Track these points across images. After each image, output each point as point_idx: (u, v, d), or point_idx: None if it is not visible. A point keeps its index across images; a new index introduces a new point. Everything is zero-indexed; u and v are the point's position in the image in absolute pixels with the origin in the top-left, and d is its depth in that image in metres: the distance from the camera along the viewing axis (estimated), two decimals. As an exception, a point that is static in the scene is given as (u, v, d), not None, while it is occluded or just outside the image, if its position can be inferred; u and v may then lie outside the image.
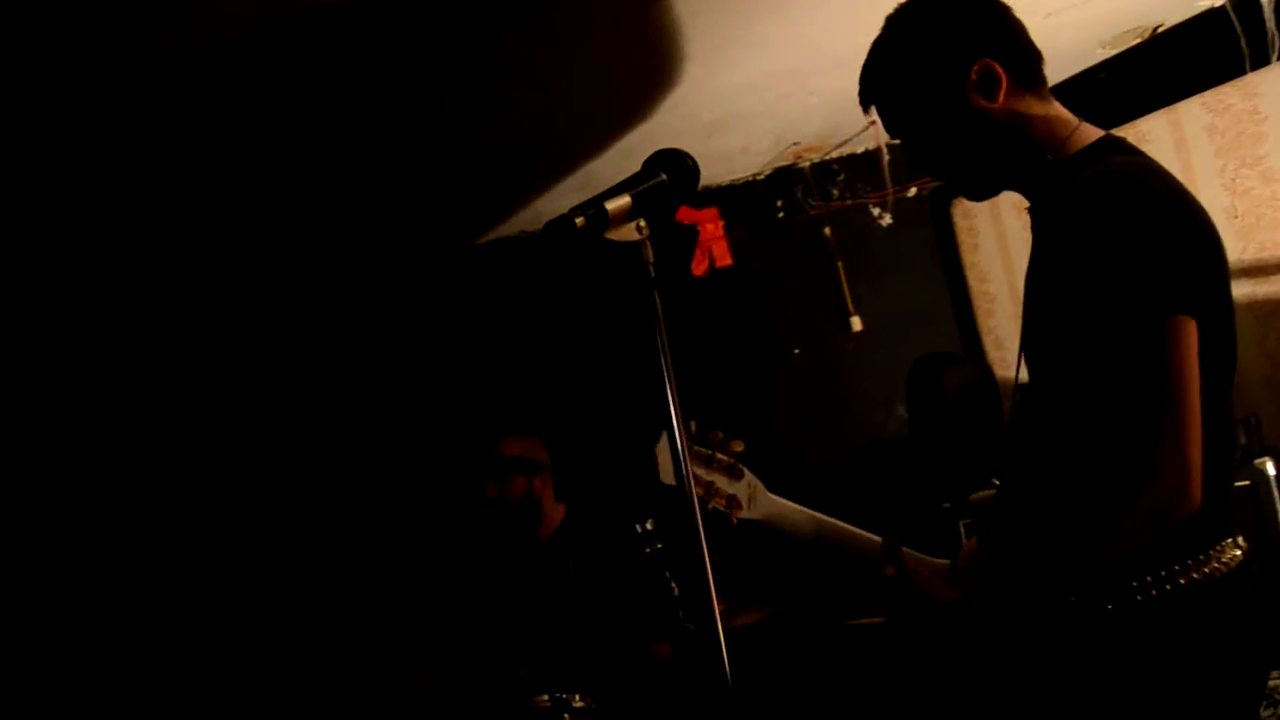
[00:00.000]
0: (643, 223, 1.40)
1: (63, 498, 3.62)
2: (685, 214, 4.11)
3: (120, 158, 2.53)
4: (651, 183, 1.41)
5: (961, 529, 3.30)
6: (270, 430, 3.81)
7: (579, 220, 1.32)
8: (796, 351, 4.19)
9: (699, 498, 1.60)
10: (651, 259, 1.41)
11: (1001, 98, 1.54)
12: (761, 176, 4.21)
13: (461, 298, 4.01)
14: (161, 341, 3.76)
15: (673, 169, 1.44)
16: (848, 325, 4.13)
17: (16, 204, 2.66)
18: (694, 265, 4.12)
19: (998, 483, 1.82)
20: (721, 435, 1.64)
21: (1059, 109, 1.59)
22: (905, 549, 1.61)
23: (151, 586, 3.62)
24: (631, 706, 2.90)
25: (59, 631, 3.53)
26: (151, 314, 3.74)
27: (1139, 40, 3.39)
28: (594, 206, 1.34)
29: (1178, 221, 1.40)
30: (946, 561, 1.76)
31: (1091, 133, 1.57)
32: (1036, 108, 1.57)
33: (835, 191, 4.25)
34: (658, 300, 1.40)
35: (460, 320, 4.00)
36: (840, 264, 4.16)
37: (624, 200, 1.37)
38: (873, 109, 1.68)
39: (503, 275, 4.02)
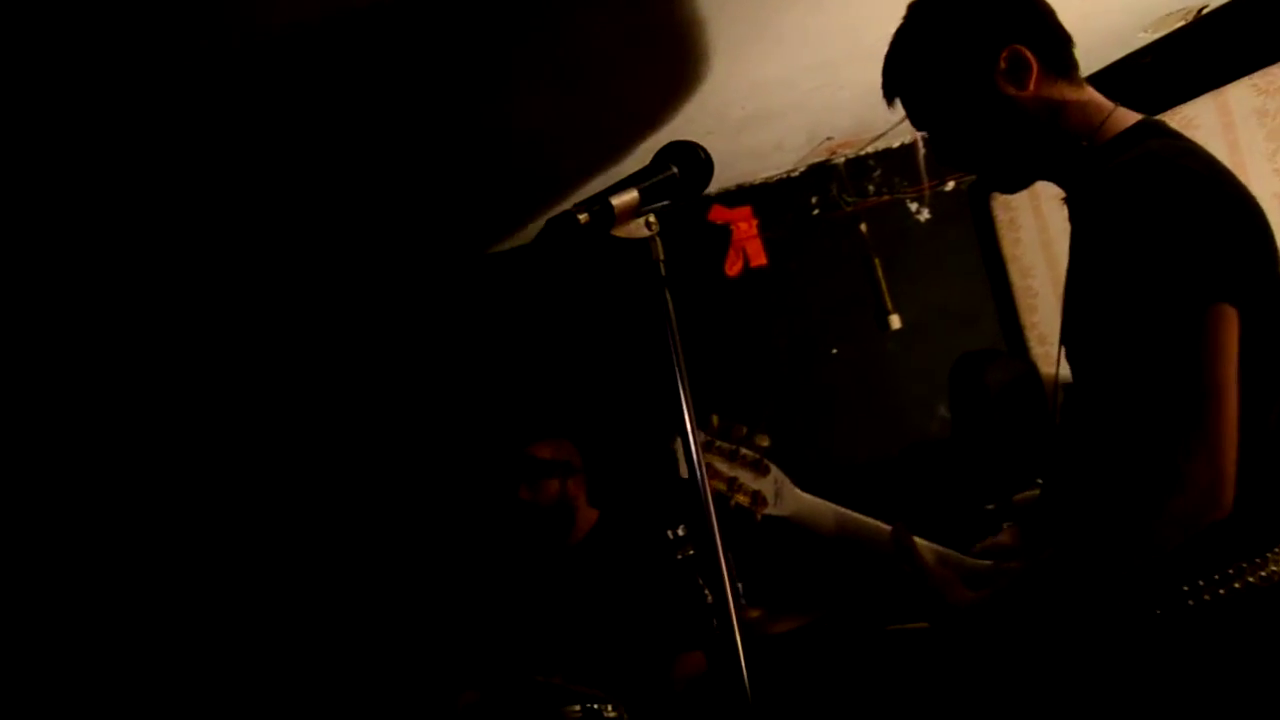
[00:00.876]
0: (652, 219, 1.35)
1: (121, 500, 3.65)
2: (718, 213, 4.06)
3: (143, 162, 2.52)
4: (660, 177, 1.36)
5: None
6: (300, 443, 3.81)
7: (582, 216, 1.26)
8: (834, 351, 4.11)
9: (720, 494, 1.55)
10: (662, 256, 1.35)
11: (1032, 85, 1.48)
12: (795, 174, 4.14)
13: (491, 303, 3.99)
14: (186, 351, 3.78)
15: (684, 162, 1.39)
16: (886, 323, 4.05)
17: (45, 208, 2.67)
18: (728, 265, 4.06)
19: (1042, 483, 1.75)
20: (746, 430, 1.58)
21: (1093, 94, 1.53)
22: (930, 545, 1.55)
23: (162, 600, 3.63)
24: (664, 715, 2.84)
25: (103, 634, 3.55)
26: (175, 322, 3.76)
27: (1183, 23, 3.28)
28: (599, 202, 1.29)
29: (1219, 205, 1.32)
30: (989, 562, 1.69)
31: (1128, 117, 1.50)
32: (1069, 94, 1.51)
33: (871, 187, 4.18)
34: (668, 298, 1.34)
35: (491, 325, 3.98)
36: (877, 261, 4.08)
37: (631, 195, 1.31)
38: (898, 102, 1.62)
39: (531, 280, 3.99)
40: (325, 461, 3.80)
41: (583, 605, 3.08)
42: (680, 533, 2.59)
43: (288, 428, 3.81)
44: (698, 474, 1.32)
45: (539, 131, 2.95)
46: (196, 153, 2.51)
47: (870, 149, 4.13)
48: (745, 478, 1.56)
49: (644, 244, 1.35)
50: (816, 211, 4.16)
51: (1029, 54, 1.48)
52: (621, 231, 1.32)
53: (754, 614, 2.65)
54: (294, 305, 3.86)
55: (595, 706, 2.70)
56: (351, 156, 2.80)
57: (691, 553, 2.54)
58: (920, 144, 4.05)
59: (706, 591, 2.57)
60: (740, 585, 2.65)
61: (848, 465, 3.94)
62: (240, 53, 2.04)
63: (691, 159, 1.39)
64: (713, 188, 4.04)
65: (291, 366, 3.84)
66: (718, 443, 1.57)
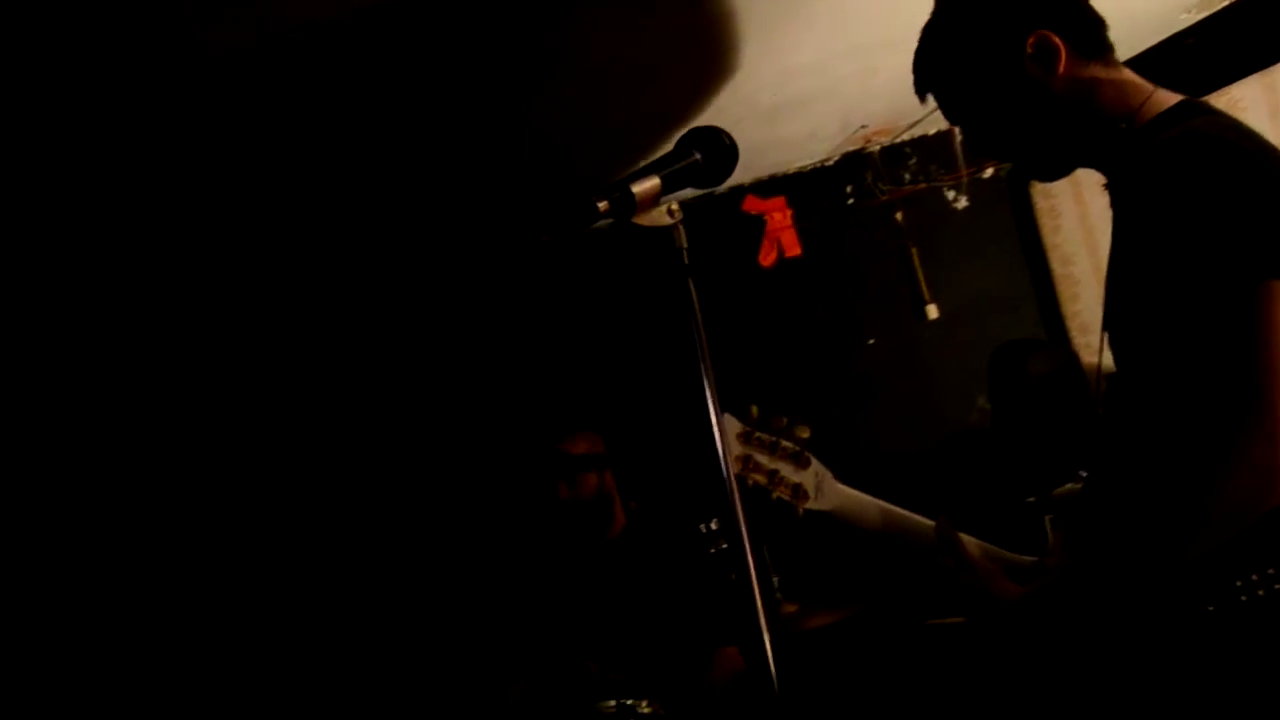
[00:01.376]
0: (675, 206, 1.32)
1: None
2: (752, 204, 4.02)
3: (162, 158, 2.53)
4: (684, 163, 1.33)
5: (1047, 524, 3.15)
6: (331, 442, 3.81)
7: (602, 204, 1.24)
8: (871, 342, 4.06)
9: (760, 487, 1.52)
10: (685, 244, 1.32)
11: (1062, 69, 1.46)
12: (830, 162, 4.10)
13: (517, 297, 3.98)
14: (209, 346, 3.79)
15: (707, 148, 1.36)
16: (924, 313, 4.00)
17: (55, 208, 2.67)
18: (762, 256, 4.02)
19: (1085, 475, 1.71)
20: (786, 421, 1.55)
21: (1130, 76, 1.50)
22: (974, 540, 1.52)
23: (209, 599, 3.65)
24: (699, 710, 2.81)
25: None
26: (187, 322, 3.76)
27: (1228, 2, 3.20)
28: (619, 189, 1.26)
29: (1267, 180, 1.28)
30: (1033, 559, 1.65)
31: (1168, 98, 1.46)
32: (1103, 76, 1.48)
33: (907, 175, 4.12)
34: (691, 288, 1.31)
35: (518, 320, 3.97)
36: (914, 250, 4.02)
37: (653, 182, 1.28)
38: (930, 96, 1.61)
39: (556, 272, 3.97)
40: (360, 461, 3.80)
41: (620, 601, 3.05)
42: (714, 526, 2.56)
43: (322, 424, 3.81)
44: (724, 466, 1.29)
45: (564, 126, 2.92)
46: (217, 152, 2.51)
47: (906, 136, 4.07)
48: (786, 471, 1.53)
49: (667, 232, 1.32)
50: (851, 201, 4.11)
51: (1056, 38, 1.46)
52: (644, 220, 1.29)
53: (790, 609, 2.62)
54: (317, 302, 3.86)
55: (630, 702, 2.68)
56: (370, 152, 2.79)
57: (725, 546, 2.51)
58: (957, 131, 3.98)
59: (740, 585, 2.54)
60: (776, 579, 2.62)
61: (885, 457, 3.89)
62: (267, 46, 2.04)
63: (715, 144, 1.36)
64: (746, 178, 4.00)
65: (320, 364, 3.84)
66: (757, 434, 1.54)
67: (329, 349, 3.86)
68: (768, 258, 4.02)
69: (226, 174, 2.66)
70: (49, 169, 2.39)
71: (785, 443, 1.54)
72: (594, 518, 3.14)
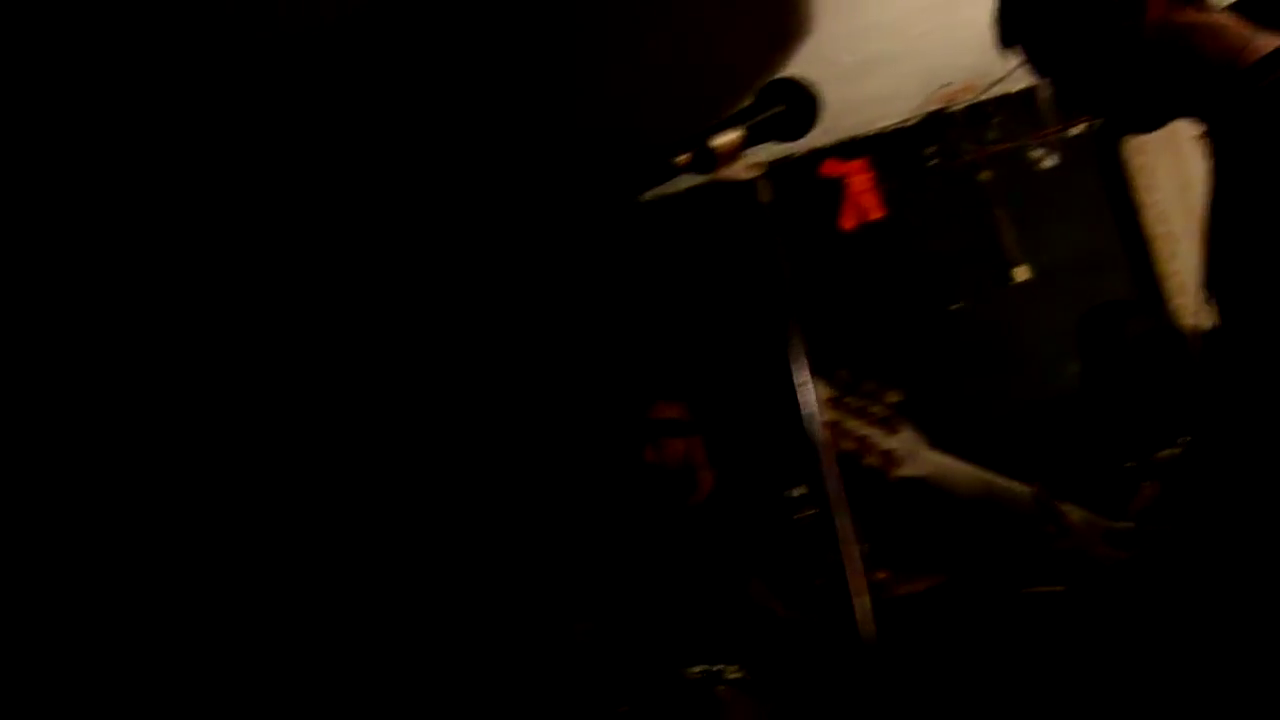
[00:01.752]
0: (757, 160, 1.28)
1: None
2: (832, 166, 3.95)
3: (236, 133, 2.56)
4: (766, 115, 1.29)
5: (1146, 490, 3.05)
6: (445, 394, 3.89)
7: (680, 159, 1.21)
8: (957, 306, 3.97)
9: (850, 454, 1.49)
10: (769, 199, 1.29)
11: (1154, 12, 1.38)
12: (911, 123, 4.00)
13: (604, 263, 3.99)
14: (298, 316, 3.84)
15: (790, 98, 1.32)
16: (1011, 276, 3.89)
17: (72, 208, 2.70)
18: (843, 220, 3.95)
19: (1185, 439, 1.65)
20: (875, 385, 1.51)
21: (1230, 19, 1.41)
22: (1073, 506, 1.48)
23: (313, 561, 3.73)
24: (784, 675, 2.81)
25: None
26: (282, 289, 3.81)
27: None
28: (698, 143, 1.23)
29: None
30: (1132, 524, 1.60)
31: (1271, 40, 1.37)
32: (1199, 19, 1.39)
33: (992, 134, 4.00)
34: (778, 242, 1.28)
35: (605, 285, 3.98)
36: (1001, 211, 3.91)
37: (734, 135, 1.24)
38: (1015, 50, 1.53)
39: (641, 238, 3.96)
40: (464, 419, 3.89)
41: (704, 566, 3.07)
42: (800, 493, 2.54)
43: (429, 383, 3.91)
44: (813, 432, 1.26)
45: (641, 94, 2.90)
46: (296, 122, 2.53)
47: (990, 94, 3.95)
48: (876, 436, 1.50)
49: (750, 188, 1.29)
50: (935, 161, 4.01)
51: None
52: (725, 174, 1.26)
53: (881, 575, 2.60)
54: (405, 271, 3.91)
55: (716, 668, 2.69)
56: (450, 117, 2.79)
57: (811, 513, 2.49)
58: (1043, 86, 3.85)
59: (826, 552, 2.51)
60: (865, 546, 2.58)
61: (975, 423, 3.81)
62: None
63: (797, 94, 1.32)
64: (825, 140, 3.93)
65: (418, 323, 3.91)
66: (846, 398, 1.51)
67: (403, 325, 3.93)
68: (849, 221, 3.96)
69: (303, 142, 2.69)
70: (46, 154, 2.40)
71: (876, 408, 1.50)
72: (677, 483, 3.18)
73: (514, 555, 3.76)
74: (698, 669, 2.65)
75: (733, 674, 2.64)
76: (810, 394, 1.29)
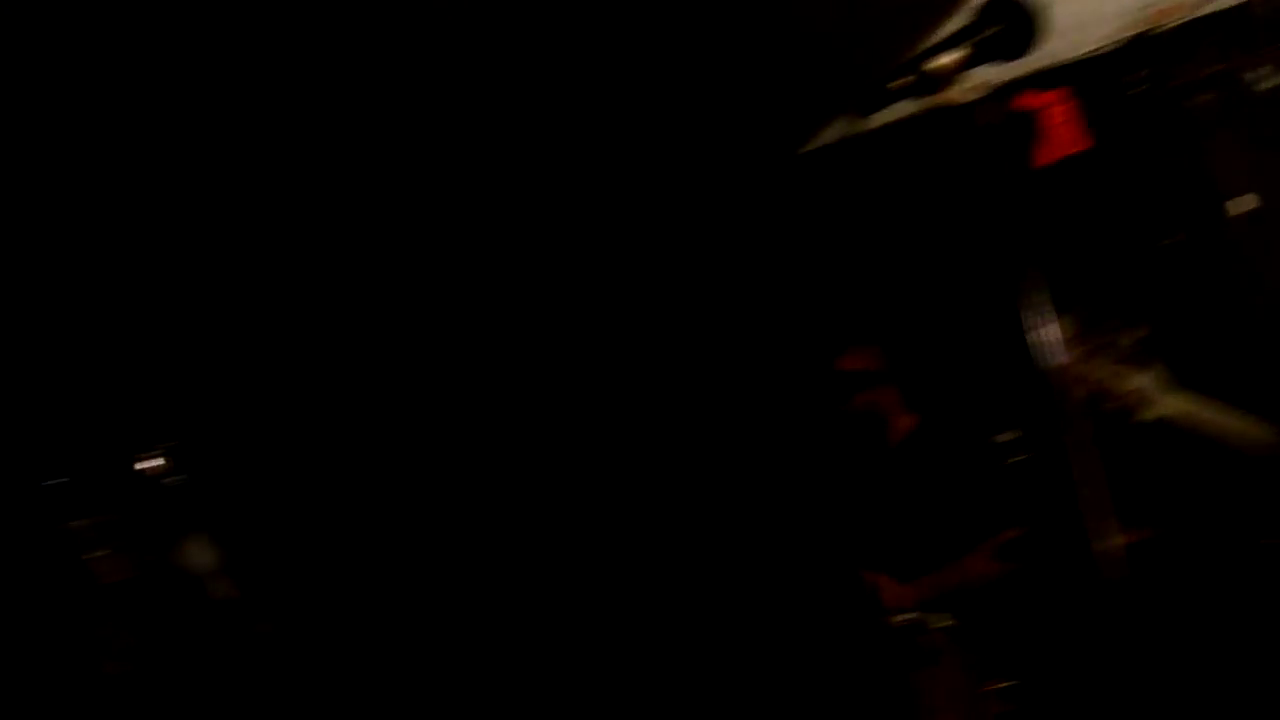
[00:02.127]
0: (976, 82, 1.23)
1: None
2: (1029, 98, 3.77)
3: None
4: (983, 34, 1.24)
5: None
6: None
7: (893, 84, 1.17)
8: (1171, 240, 3.73)
9: (1092, 396, 1.43)
10: (993, 122, 1.24)
11: None
12: (1114, 48, 3.76)
13: (786, 209, 3.93)
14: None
15: (1007, 16, 1.26)
16: (1228, 207, 3.63)
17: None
18: (1043, 154, 3.77)
19: None
20: (1118, 322, 1.44)
21: None
22: None
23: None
24: (993, 621, 2.75)
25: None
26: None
27: None
28: (912, 69, 1.19)
29: None
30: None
31: None
32: None
33: (1203, 56, 3.72)
34: (1004, 169, 1.23)
35: (794, 231, 3.94)
36: (1215, 138, 3.65)
37: (950, 58, 1.20)
38: None
39: (827, 182, 3.88)
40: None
41: (902, 509, 3.04)
42: (1010, 437, 2.47)
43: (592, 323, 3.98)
44: (1051, 371, 1.22)
45: (834, 27, 2.83)
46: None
47: (1199, 13, 3.67)
48: (1120, 375, 1.42)
49: (969, 113, 1.24)
50: (1142, 88, 3.77)
51: None
52: (942, 99, 1.22)
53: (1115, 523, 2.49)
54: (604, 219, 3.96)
55: (919, 615, 2.66)
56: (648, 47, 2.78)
57: (1024, 458, 2.41)
58: (1259, 1, 3.57)
59: (1037, 501, 2.43)
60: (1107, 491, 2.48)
61: (1209, 362, 3.60)
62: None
63: (1015, 12, 1.27)
64: (1019, 70, 3.74)
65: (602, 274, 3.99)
66: (1086, 337, 1.44)
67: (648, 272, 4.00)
68: (1049, 155, 3.77)
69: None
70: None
71: (1119, 344, 1.43)
72: (865, 430, 3.14)
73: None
74: (905, 616, 2.63)
75: (941, 622, 2.60)
76: (1049, 333, 1.25)
